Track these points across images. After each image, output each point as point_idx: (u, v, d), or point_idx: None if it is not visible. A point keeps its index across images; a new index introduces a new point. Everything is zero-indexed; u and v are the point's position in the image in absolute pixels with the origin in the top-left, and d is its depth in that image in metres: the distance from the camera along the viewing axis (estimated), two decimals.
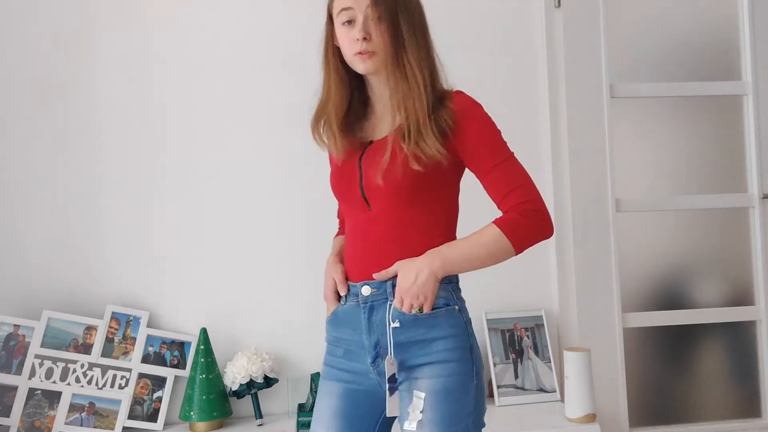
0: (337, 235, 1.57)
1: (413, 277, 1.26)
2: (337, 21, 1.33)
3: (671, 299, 2.49)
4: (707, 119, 2.52)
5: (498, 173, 1.29)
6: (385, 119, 1.38)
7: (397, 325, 1.27)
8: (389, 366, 1.26)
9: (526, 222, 1.27)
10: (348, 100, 1.38)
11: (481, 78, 2.36)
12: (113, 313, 2.19)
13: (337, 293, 1.39)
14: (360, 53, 1.30)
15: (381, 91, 1.37)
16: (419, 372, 1.28)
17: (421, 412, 1.25)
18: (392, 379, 1.26)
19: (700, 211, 2.49)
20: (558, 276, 2.37)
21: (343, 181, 1.37)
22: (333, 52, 1.37)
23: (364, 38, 1.29)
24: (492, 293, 2.35)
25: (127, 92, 2.27)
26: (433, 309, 1.28)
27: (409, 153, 1.26)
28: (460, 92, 1.35)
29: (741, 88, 2.50)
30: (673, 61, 2.49)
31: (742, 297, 2.50)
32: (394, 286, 1.30)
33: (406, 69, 1.29)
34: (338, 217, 1.60)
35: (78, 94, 2.25)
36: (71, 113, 2.25)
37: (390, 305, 1.29)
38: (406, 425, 1.26)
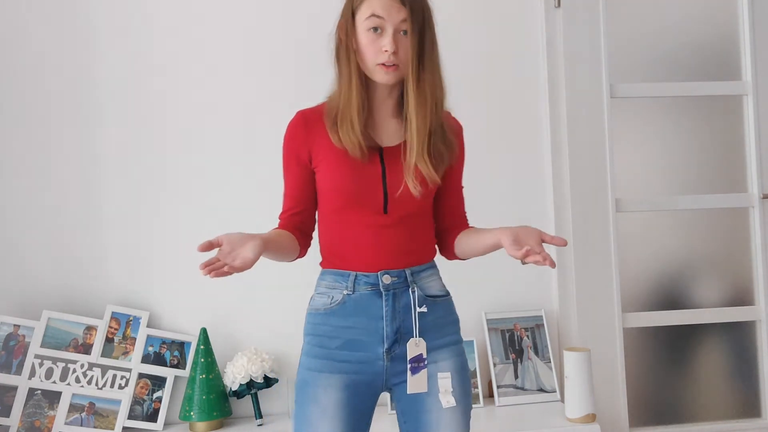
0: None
1: None
2: (363, 24, 1.32)
3: (671, 299, 2.49)
4: (707, 119, 2.52)
5: (461, 193, 1.52)
6: (388, 126, 1.41)
7: (424, 310, 1.37)
8: (413, 347, 1.35)
9: None
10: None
11: (481, 78, 2.37)
12: (113, 313, 2.19)
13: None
14: (385, 65, 1.32)
15: (384, 98, 1.40)
16: (438, 355, 1.39)
17: (452, 390, 1.38)
18: (417, 359, 1.36)
19: (700, 211, 2.49)
20: (558, 276, 2.37)
21: (362, 184, 1.36)
22: (354, 53, 1.35)
23: (394, 52, 1.30)
24: (492, 293, 2.35)
25: (127, 91, 2.27)
26: (443, 296, 1.43)
27: (431, 169, 1.35)
28: (449, 112, 1.44)
29: (741, 88, 2.50)
30: (673, 61, 2.49)
31: (742, 297, 2.50)
32: (413, 273, 1.38)
33: (426, 87, 1.34)
34: (286, 217, 1.45)
35: (77, 94, 2.25)
36: (71, 113, 2.25)
37: (413, 292, 1.37)
38: (445, 403, 1.37)
